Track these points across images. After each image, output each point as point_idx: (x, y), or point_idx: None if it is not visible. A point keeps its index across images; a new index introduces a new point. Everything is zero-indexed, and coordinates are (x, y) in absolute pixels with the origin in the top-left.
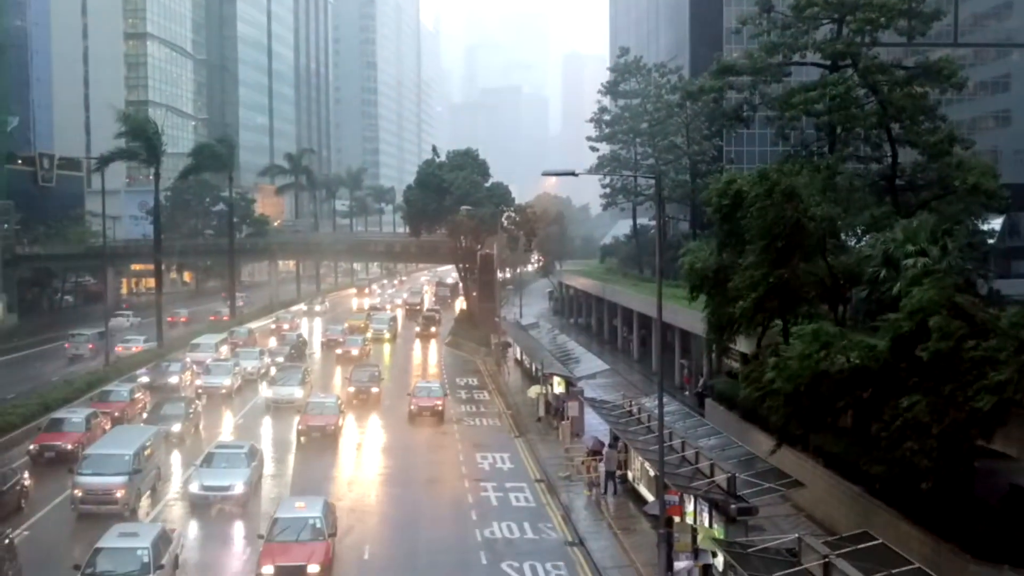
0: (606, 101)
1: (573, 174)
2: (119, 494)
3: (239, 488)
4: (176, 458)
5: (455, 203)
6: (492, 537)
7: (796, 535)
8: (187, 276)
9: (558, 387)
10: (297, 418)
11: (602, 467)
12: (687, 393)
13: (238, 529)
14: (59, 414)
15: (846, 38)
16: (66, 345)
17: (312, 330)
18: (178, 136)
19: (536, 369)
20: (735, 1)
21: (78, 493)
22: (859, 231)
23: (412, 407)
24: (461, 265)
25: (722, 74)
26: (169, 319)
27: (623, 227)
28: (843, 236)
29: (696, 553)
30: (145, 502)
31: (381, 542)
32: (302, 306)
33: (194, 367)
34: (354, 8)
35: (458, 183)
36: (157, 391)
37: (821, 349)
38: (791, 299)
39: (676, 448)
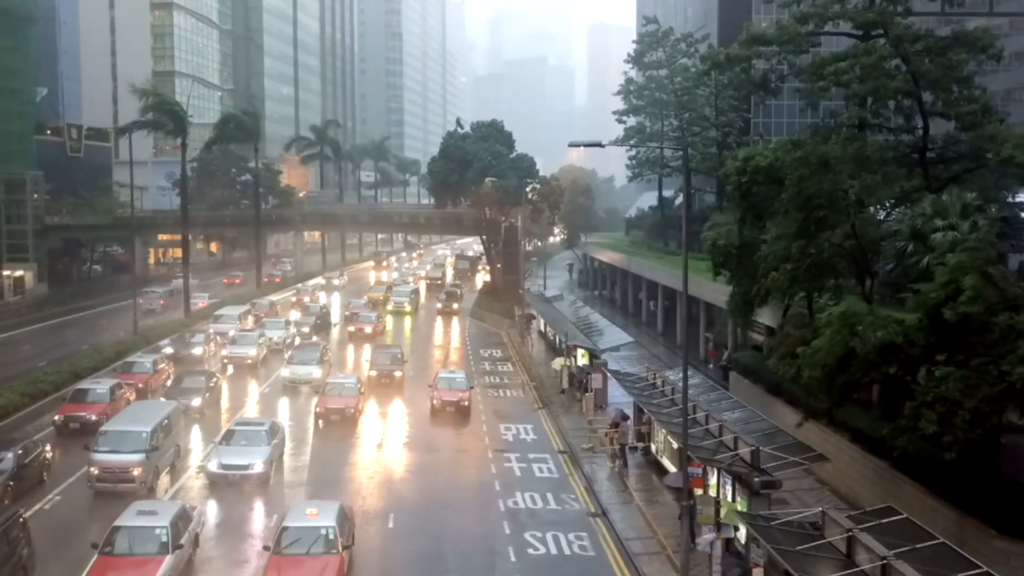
0: (632, 73)
1: (600, 145)
2: (136, 472)
3: (259, 467)
4: (196, 434)
5: (479, 175)
6: (515, 507)
7: (820, 509)
8: (214, 246)
9: (582, 359)
10: (315, 399)
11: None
12: (711, 366)
13: (258, 508)
14: (84, 384)
15: (878, 6)
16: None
17: (330, 304)
18: (204, 107)
19: (560, 341)
20: None
21: (94, 471)
22: (888, 204)
23: (434, 401)
24: (485, 237)
25: (751, 43)
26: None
27: (648, 199)
28: (872, 209)
29: (719, 526)
30: (164, 479)
31: (405, 511)
32: (320, 280)
33: (217, 338)
34: None
35: (482, 155)
36: (180, 362)
37: (851, 333)
38: (821, 271)
39: (700, 421)
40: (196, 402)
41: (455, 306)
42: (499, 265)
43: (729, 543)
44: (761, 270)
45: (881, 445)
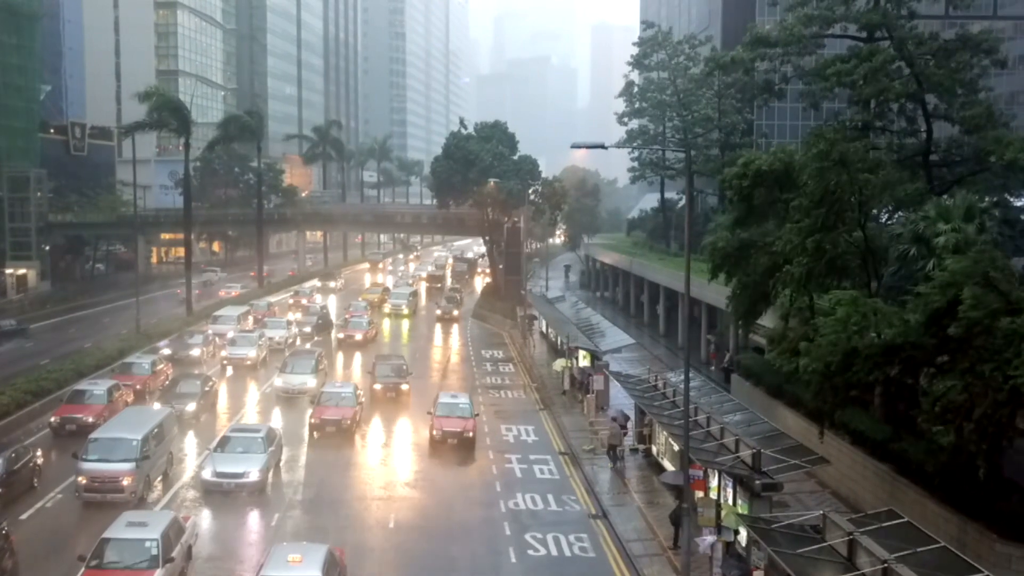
0: (634, 75)
1: (602, 147)
2: (126, 482)
3: (255, 475)
4: (190, 440)
5: (481, 175)
6: (516, 508)
7: (821, 512)
8: (216, 246)
9: (583, 360)
10: (310, 411)
11: (627, 441)
12: (713, 368)
13: (254, 518)
14: (81, 386)
15: (883, 8)
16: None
17: (326, 306)
18: (207, 106)
19: (562, 342)
20: None
21: (82, 480)
22: (890, 207)
23: (434, 432)
24: (487, 238)
25: (755, 45)
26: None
27: (651, 200)
28: (875, 211)
29: (719, 529)
30: (157, 487)
31: (406, 510)
32: (315, 282)
33: (216, 339)
34: None
35: (484, 155)
36: (179, 363)
37: (862, 319)
38: (832, 269)
39: (701, 423)
40: (191, 407)
41: (455, 312)
42: (501, 266)
43: (730, 546)
44: (771, 266)
45: (883, 448)
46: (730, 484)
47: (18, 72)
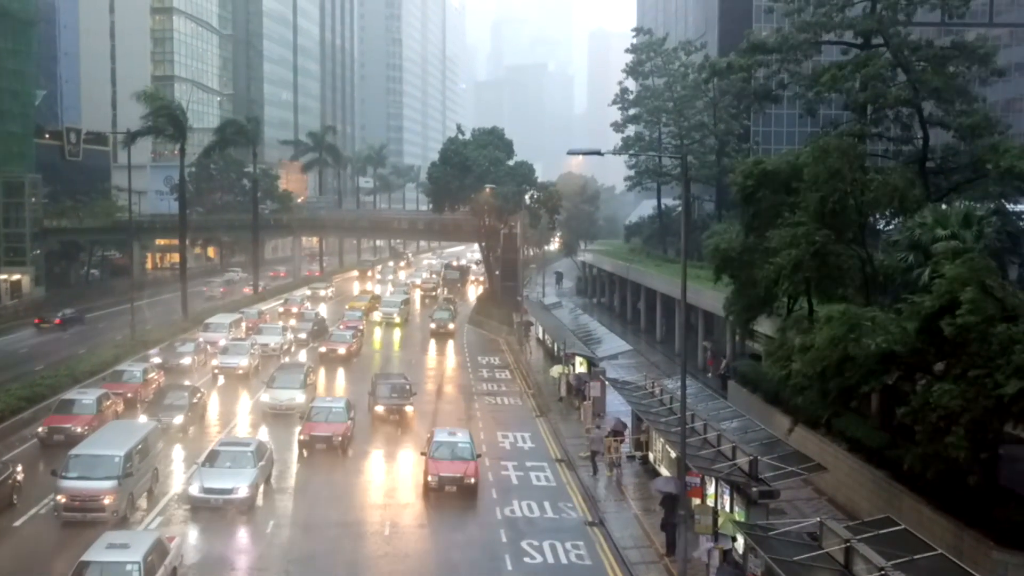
0: (628, 83)
1: (599, 153)
2: (107, 500)
3: (244, 491)
4: (178, 455)
5: (478, 181)
6: (512, 516)
7: (818, 519)
8: (211, 251)
9: (580, 367)
10: (299, 427)
11: (623, 448)
12: (710, 375)
13: (242, 537)
14: (69, 395)
15: (879, 15)
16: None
17: (319, 312)
18: (203, 111)
19: (558, 349)
20: None
21: (61, 499)
22: (887, 215)
23: (429, 478)
24: (483, 244)
25: (752, 51)
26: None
27: (647, 207)
28: (871, 219)
29: (716, 536)
30: (141, 505)
31: (401, 515)
32: (305, 291)
33: (207, 347)
34: None
35: (481, 161)
36: (169, 372)
37: (849, 331)
38: (830, 275)
39: (698, 430)
40: (178, 419)
41: (450, 326)
42: (497, 272)
43: (727, 553)
44: (771, 272)
45: (880, 455)
46: (727, 491)
47: (13, 77)
